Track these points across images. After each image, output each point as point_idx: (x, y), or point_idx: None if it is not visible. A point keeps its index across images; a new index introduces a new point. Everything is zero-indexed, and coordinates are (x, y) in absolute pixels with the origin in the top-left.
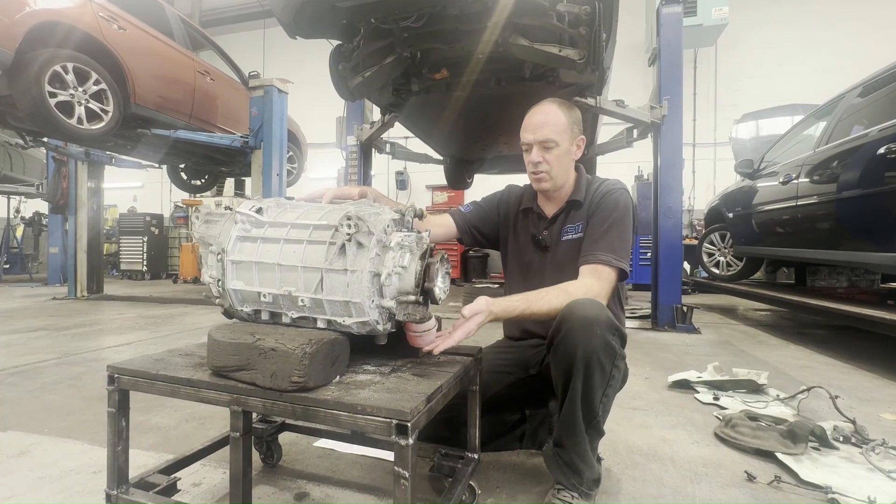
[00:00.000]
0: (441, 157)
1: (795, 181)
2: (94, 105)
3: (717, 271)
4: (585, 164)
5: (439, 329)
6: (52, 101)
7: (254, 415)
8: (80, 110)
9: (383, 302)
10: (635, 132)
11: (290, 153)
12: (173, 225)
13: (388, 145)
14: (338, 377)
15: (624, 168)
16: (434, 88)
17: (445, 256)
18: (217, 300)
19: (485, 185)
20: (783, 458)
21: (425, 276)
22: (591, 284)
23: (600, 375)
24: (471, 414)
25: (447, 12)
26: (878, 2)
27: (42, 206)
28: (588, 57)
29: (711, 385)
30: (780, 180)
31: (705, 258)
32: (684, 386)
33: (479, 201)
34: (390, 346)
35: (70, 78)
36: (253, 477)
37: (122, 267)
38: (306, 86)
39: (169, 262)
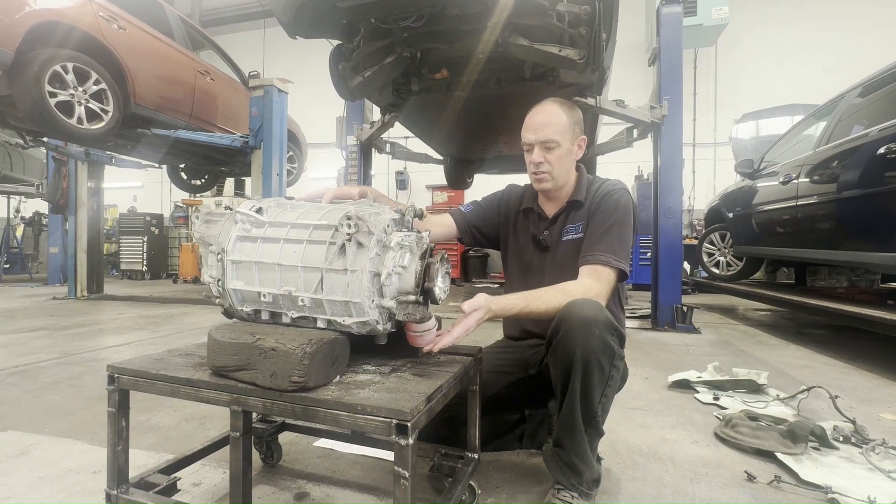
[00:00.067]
0: (441, 157)
1: (795, 181)
2: (94, 105)
3: (716, 271)
4: (586, 163)
5: (439, 329)
6: (52, 101)
7: (254, 414)
8: (80, 110)
9: (383, 302)
10: (635, 132)
11: (290, 153)
12: (173, 225)
13: (388, 145)
14: (338, 377)
15: (624, 168)
16: (434, 88)
17: (445, 256)
18: (217, 300)
19: (485, 185)
20: (783, 458)
21: (425, 275)
22: (590, 285)
23: (599, 375)
24: (471, 414)
25: (447, 12)
26: (878, 2)
27: (42, 206)
28: (588, 57)
29: (711, 385)
30: (780, 180)
31: (705, 258)
32: (684, 386)
33: (480, 201)
34: (390, 346)
35: (70, 78)
36: (253, 477)
37: (122, 267)
38: (306, 86)
39: (169, 262)
